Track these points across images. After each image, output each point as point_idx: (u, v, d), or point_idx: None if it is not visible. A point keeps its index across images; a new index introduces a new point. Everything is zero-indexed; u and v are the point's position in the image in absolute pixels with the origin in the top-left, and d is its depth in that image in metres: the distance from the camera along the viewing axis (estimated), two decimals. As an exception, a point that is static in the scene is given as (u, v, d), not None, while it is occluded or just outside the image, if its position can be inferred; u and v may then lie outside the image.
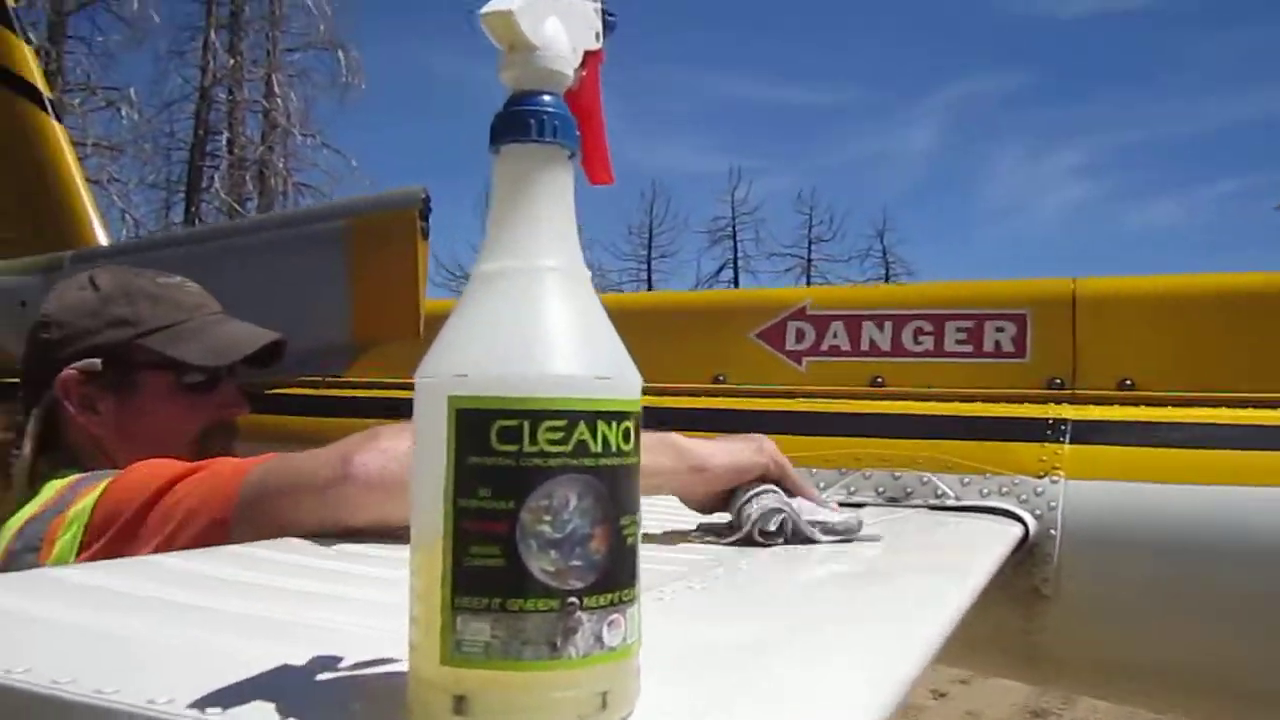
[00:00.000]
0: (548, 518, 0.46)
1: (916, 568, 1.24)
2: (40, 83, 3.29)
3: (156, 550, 1.00)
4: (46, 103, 3.26)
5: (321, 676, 0.56)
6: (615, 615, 0.47)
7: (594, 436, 0.47)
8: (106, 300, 1.39)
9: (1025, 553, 1.68)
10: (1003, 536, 1.55)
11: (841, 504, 1.85)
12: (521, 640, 0.45)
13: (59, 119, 3.31)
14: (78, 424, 1.35)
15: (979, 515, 1.70)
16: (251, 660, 0.57)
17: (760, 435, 1.31)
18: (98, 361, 1.35)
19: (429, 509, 0.47)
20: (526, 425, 0.46)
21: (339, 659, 0.58)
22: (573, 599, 0.46)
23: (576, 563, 0.46)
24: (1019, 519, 1.68)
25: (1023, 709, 5.55)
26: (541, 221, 0.50)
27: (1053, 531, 1.69)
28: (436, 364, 0.48)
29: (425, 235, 2.09)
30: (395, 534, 1.04)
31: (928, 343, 1.98)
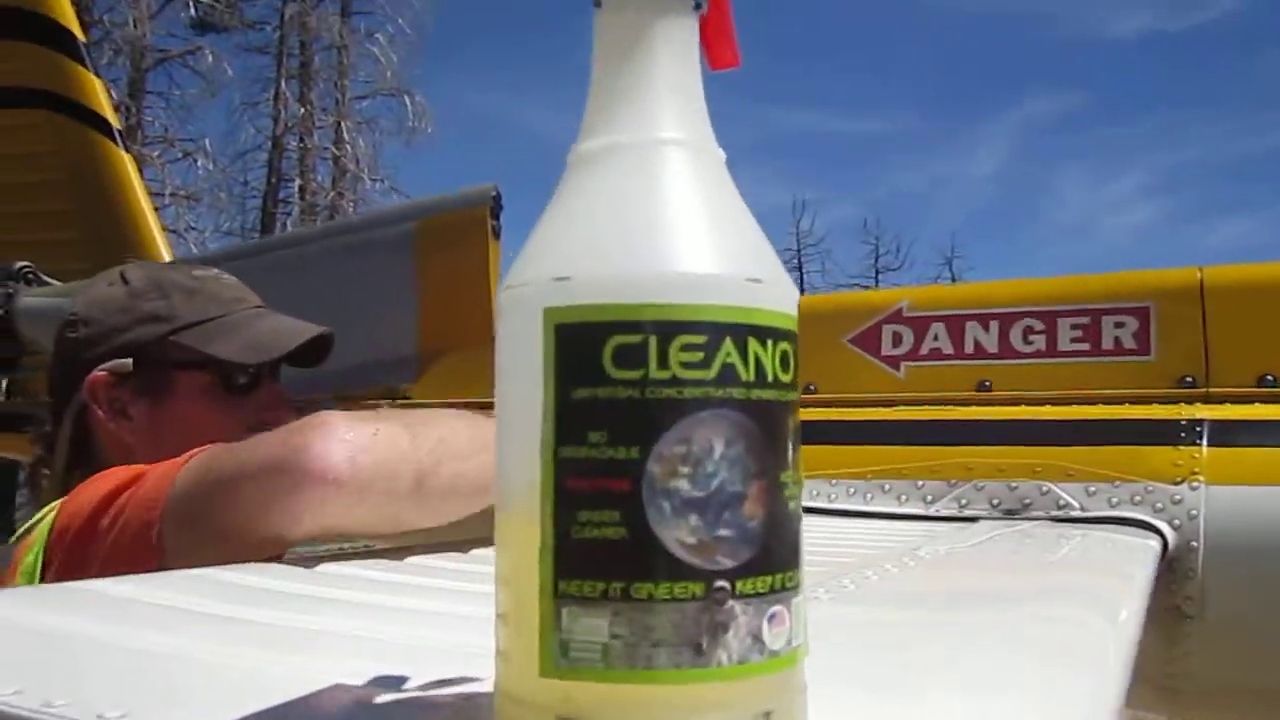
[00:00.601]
0: (685, 469, 0.33)
1: (1051, 603, 1.08)
2: (109, 114, 3.29)
3: (103, 565, 0.87)
4: (115, 133, 3.26)
5: (381, 699, 0.43)
6: (778, 608, 0.34)
7: (745, 360, 0.34)
8: (137, 295, 1.26)
9: (1164, 568, 1.50)
10: (1142, 553, 1.38)
11: (951, 517, 1.69)
12: (653, 641, 0.32)
13: (127, 149, 3.30)
14: (108, 431, 1.22)
15: (1109, 527, 1.53)
16: (294, 680, 0.45)
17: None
18: (129, 361, 1.22)
19: (520, 463, 0.34)
20: (654, 343, 0.33)
21: (403, 679, 0.46)
22: (722, 583, 0.33)
23: (726, 532, 0.33)
24: (1155, 530, 1.51)
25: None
26: (659, 84, 0.37)
27: (1194, 543, 1.51)
28: (526, 268, 0.36)
29: (497, 235, 1.97)
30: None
31: (1039, 342, 1.81)
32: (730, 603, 0.33)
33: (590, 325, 0.33)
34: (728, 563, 0.33)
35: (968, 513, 1.64)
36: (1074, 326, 1.79)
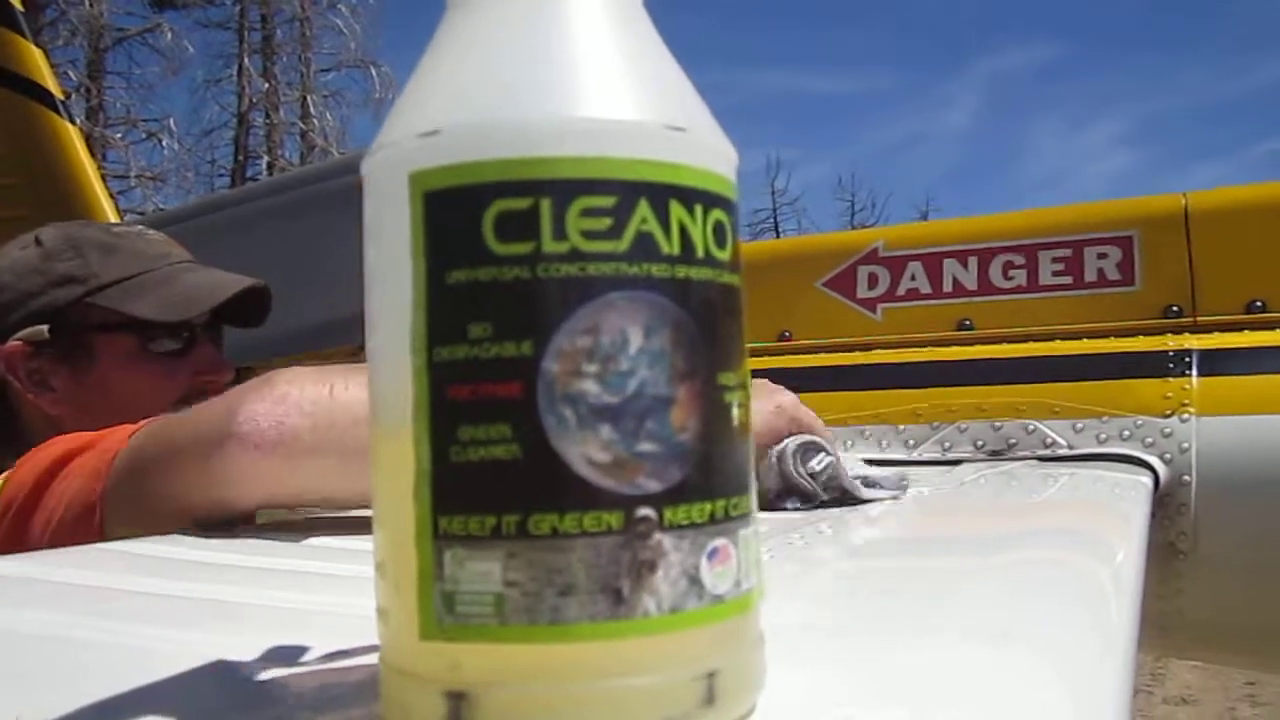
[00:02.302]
0: (593, 368, 0.26)
1: (1041, 543, 1.02)
2: (52, 85, 3.16)
3: (47, 544, 0.79)
4: (59, 104, 3.13)
5: (265, 675, 0.36)
6: (721, 541, 0.27)
7: (666, 229, 0.27)
8: (50, 255, 1.15)
9: (1156, 504, 1.44)
10: (1134, 490, 1.32)
11: (935, 461, 1.63)
12: (559, 589, 0.25)
13: (72, 120, 3.18)
14: (31, 405, 1.12)
15: (1098, 465, 1.47)
16: (170, 658, 0.38)
17: (776, 386, 1.06)
18: (44, 329, 1.12)
19: (389, 371, 0.27)
20: (546, 208, 0.26)
21: (302, 649, 0.39)
22: (646, 511, 0.26)
23: (649, 447, 0.26)
24: (1146, 465, 1.45)
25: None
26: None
27: (1186, 478, 1.46)
28: (390, 128, 0.28)
29: None
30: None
31: (1020, 278, 1.74)
32: (657, 536, 0.26)
33: (466, 189, 0.26)
34: (653, 485, 0.26)
35: (951, 455, 1.58)
36: (1055, 260, 1.72)
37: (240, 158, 20.81)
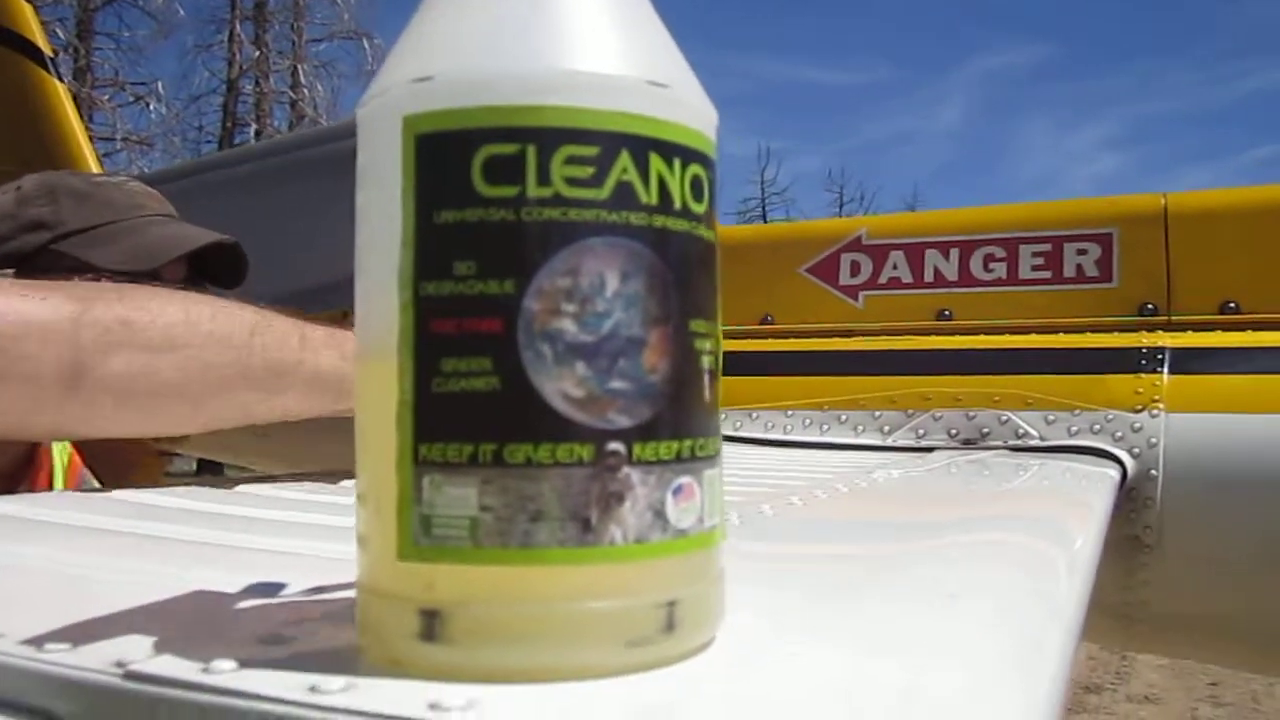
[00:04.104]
0: (571, 307, 0.27)
1: (1004, 529, 1.04)
2: (41, 40, 3.14)
3: None
4: (48, 60, 3.11)
5: (243, 605, 0.37)
6: (686, 479, 0.29)
7: (645, 180, 0.28)
8: (25, 201, 1.14)
9: (1123, 497, 1.47)
10: (1100, 482, 1.34)
11: (908, 447, 1.65)
12: (531, 515, 0.27)
13: (60, 79, 3.16)
14: None
15: (1068, 456, 1.50)
16: (153, 588, 0.39)
17: None
18: (10, 273, 1.08)
19: (376, 305, 0.28)
20: (532, 154, 0.27)
21: (279, 585, 0.41)
22: (616, 445, 0.27)
23: (620, 385, 0.27)
24: (1115, 458, 1.48)
25: (1073, 683, 5.31)
26: None
27: (1153, 472, 1.49)
28: (385, 75, 0.30)
29: None
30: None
31: (1000, 270, 1.77)
32: (626, 470, 0.27)
33: (456, 133, 0.27)
34: (623, 421, 0.27)
35: (925, 443, 1.60)
36: (1035, 254, 1.75)
37: (228, 125, 20.62)
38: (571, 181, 0.27)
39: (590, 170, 0.27)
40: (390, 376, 0.28)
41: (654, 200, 0.28)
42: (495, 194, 0.27)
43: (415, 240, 0.27)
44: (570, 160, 0.27)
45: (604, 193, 0.27)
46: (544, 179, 0.27)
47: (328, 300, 1.96)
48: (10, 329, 0.66)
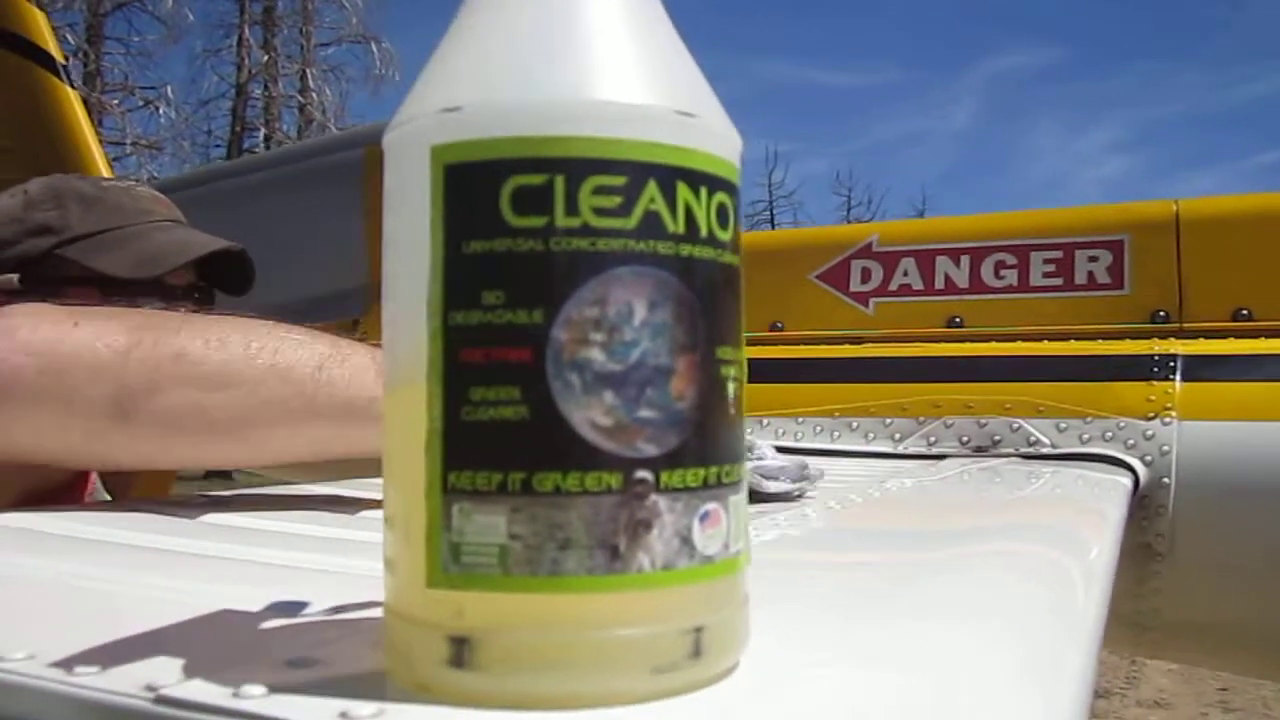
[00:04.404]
0: (599, 337, 0.27)
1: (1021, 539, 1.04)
2: (54, 48, 3.15)
3: None
4: (60, 68, 3.13)
5: (268, 625, 0.38)
6: (712, 505, 0.29)
7: (673, 209, 0.28)
8: (32, 205, 1.14)
9: (1135, 504, 1.47)
10: (1113, 490, 1.34)
11: (919, 455, 1.65)
12: (560, 543, 0.27)
13: (72, 85, 3.17)
14: None
15: (1080, 464, 1.50)
16: (178, 606, 0.40)
17: None
18: (14, 277, 1.10)
19: (405, 334, 0.29)
20: (560, 184, 0.27)
21: (302, 604, 0.41)
22: (644, 474, 0.27)
23: (648, 414, 0.28)
24: (1127, 467, 1.48)
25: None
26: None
27: (1166, 480, 1.49)
28: (412, 104, 0.30)
29: None
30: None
31: (1011, 277, 1.77)
32: (653, 498, 0.28)
33: (485, 164, 0.28)
34: (651, 450, 0.28)
35: (936, 450, 1.60)
36: (1047, 261, 1.75)
37: (237, 129, 20.67)
38: (599, 211, 0.27)
39: (618, 200, 0.27)
40: (419, 403, 0.28)
41: (681, 229, 0.28)
42: (524, 224, 0.27)
43: (444, 269, 0.28)
44: (598, 190, 0.27)
45: (631, 222, 0.28)
46: (572, 209, 0.27)
47: (339, 309, 1.98)
48: (60, 361, 0.66)
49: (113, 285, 1.12)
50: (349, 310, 2.01)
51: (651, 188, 0.28)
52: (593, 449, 0.27)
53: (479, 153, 0.28)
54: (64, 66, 3.17)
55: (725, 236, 0.30)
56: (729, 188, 0.30)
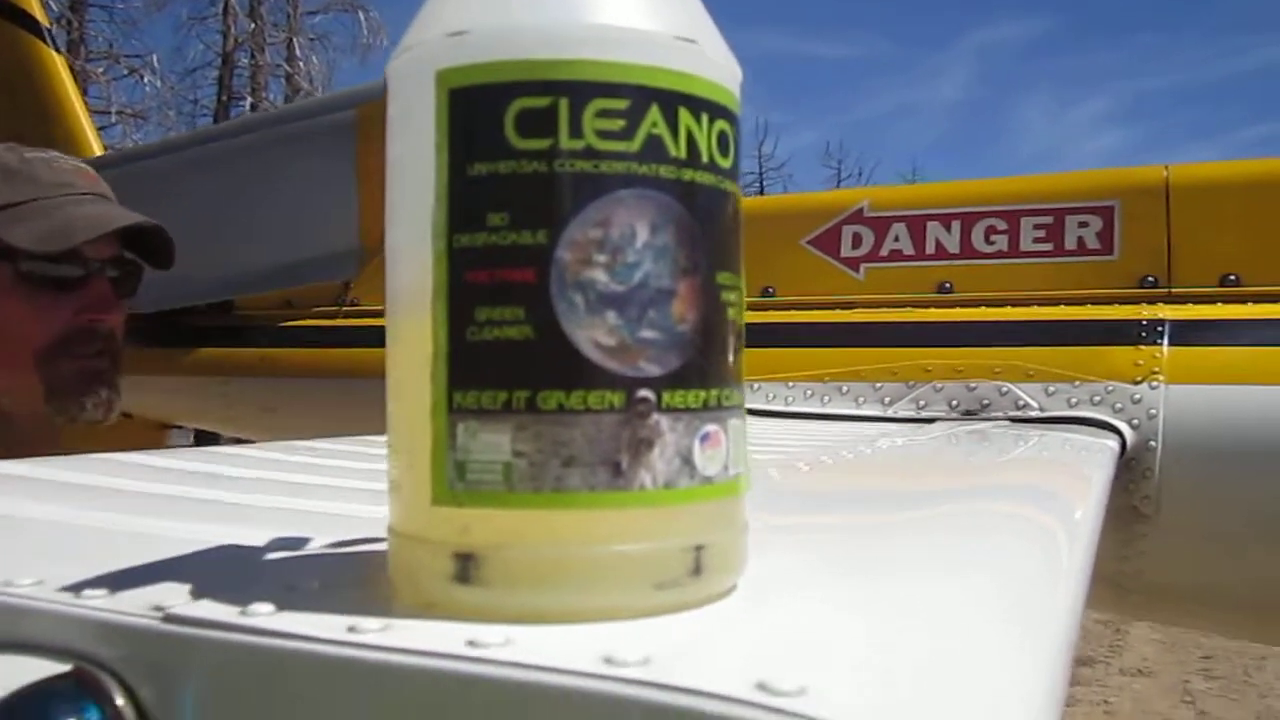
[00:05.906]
0: (602, 258, 0.28)
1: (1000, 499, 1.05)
2: (38, 11, 3.12)
3: None
4: (45, 31, 3.09)
5: (272, 556, 0.38)
6: (713, 427, 0.29)
7: (675, 134, 0.29)
8: None
9: (1122, 467, 1.48)
10: (1100, 453, 1.35)
11: (909, 419, 1.66)
12: (563, 460, 0.27)
13: (57, 49, 3.14)
14: None
15: (1067, 427, 1.51)
16: (179, 543, 0.40)
17: None
18: None
19: (409, 256, 0.29)
20: (564, 107, 0.28)
21: (306, 539, 0.41)
22: (646, 393, 0.28)
23: (650, 334, 0.28)
24: (1114, 430, 1.49)
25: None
26: None
27: (1152, 443, 1.50)
28: (418, 29, 0.30)
29: None
30: None
31: (1001, 243, 1.77)
32: (655, 416, 0.28)
33: (490, 87, 0.28)
34: (653, 370, 0.28)
35: (926, 414, 1.61)
36: (1037, 226, 1.75)
37: (224, 98, 20.47)
38: (603, 134, 0.28)
39: (621, 123, 0.28)
40: (424, 326, 0.28)
41: (682, 154, 0.29)
42: (528, 146, 0.27)
43: (449, 192, 0.28)
44: (601, 113, 0.28)
45: (634, 145, 0.28)
46: (576, 131, 0.27)
47: (332, 270, 1.97)
48: None
49: (19, 257, 1.09)
50: (341, 272, 2.00)
51: (654, 112, 0.28)
52: (596, 368, 0.27)
53: (484, 76, 0.28)
54: (49, 30, 3.14)
55: (725, 164, 0.30)
56: (729, 116, 0.31)
